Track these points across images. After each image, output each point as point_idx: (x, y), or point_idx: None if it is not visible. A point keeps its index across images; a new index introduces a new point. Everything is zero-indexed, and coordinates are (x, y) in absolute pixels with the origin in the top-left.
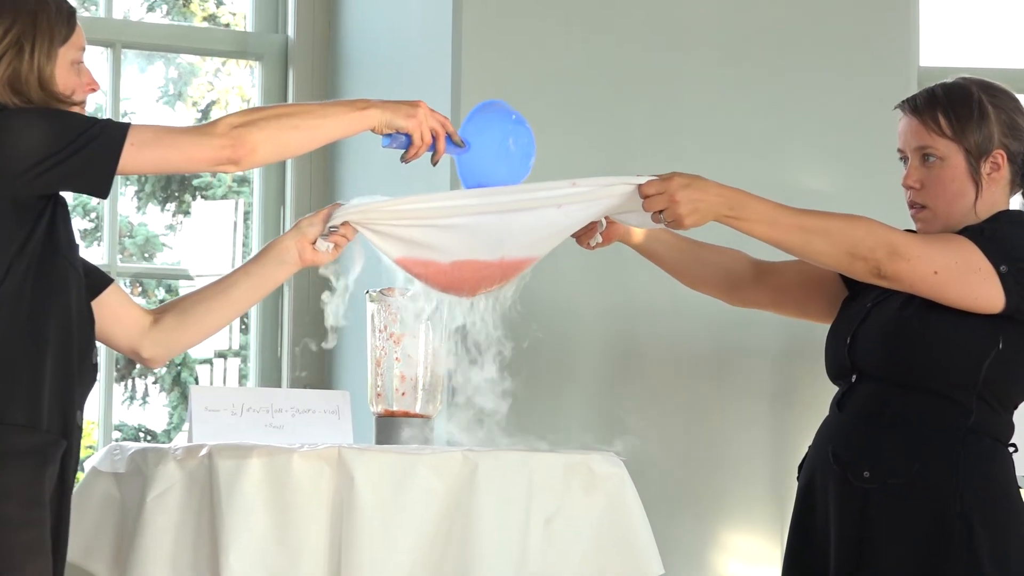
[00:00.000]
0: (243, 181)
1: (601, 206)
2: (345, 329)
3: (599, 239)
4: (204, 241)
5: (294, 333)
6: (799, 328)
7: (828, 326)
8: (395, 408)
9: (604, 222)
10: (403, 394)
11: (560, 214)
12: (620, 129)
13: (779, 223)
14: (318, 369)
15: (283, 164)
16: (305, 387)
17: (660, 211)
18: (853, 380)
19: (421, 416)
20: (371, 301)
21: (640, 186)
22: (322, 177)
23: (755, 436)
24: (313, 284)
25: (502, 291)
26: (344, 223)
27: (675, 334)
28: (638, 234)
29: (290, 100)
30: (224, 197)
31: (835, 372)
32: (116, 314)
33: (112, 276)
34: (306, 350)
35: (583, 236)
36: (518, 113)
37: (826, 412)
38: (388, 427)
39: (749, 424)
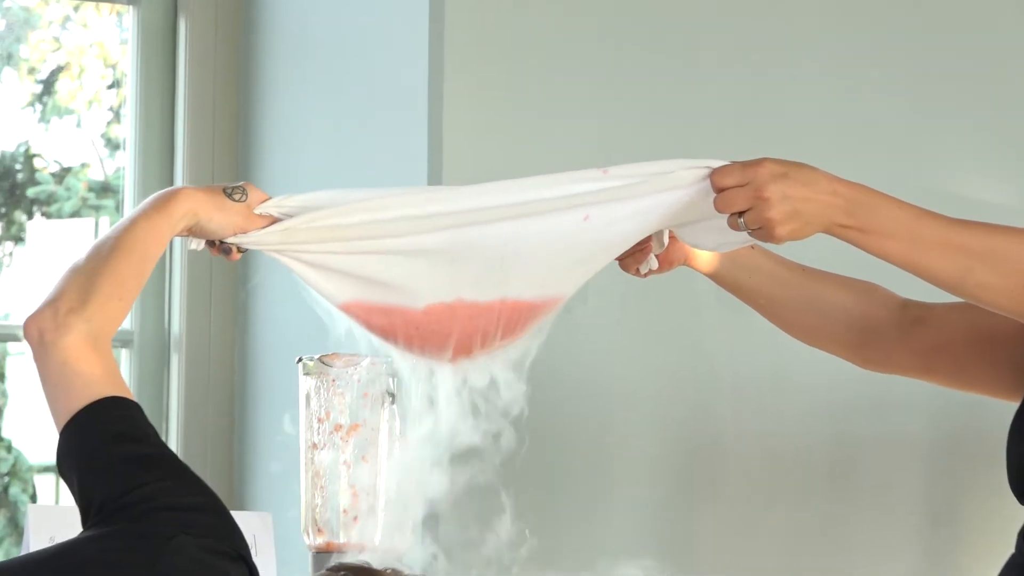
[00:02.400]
0: (105, 190)
1: (652, 213)
2: (265, 417)
3: (653, 264)
4: (45, 278)
5: (186, 423)
6: (969, 408)
7: (1014, 407)
8: (342, 539)
9: (666, 238)
10: (355, 518)
11: (589, 226)
12: (686, 115)
13: (924, 239)
14: (224, 479)
15: (169, 159)
16: None
17: (740, 213)
18: None
19: (383, 551)
20: (306, 374)
21: (712, 174)
22: (231, 172)
23: (897, 573)
24: (216, 342)
25: (505, 353)
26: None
27: (772, 418)
28: (713, 255)
29: (180, 61)
30: (76, 214)
31: (1022, 486)
32: None
33: None
34: (205, 450)
35: (630, 259)
36: None
37: (1010, 545)
38: None
39: (887, 559)
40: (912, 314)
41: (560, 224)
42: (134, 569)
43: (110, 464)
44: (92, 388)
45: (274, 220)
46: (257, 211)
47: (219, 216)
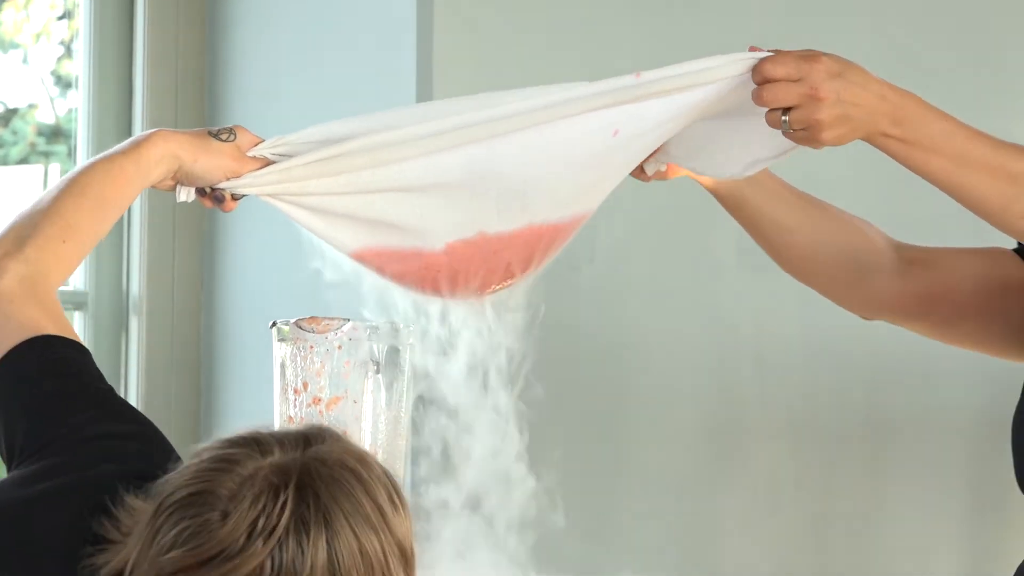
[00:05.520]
0: (56, 134)
1: (680, 117)
2: (235, 389)
3: (661, 166)
4: None
5: (146, 394)
6: (1020, 378)
7: None
8: None
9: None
10: None
11: (618, 142)
12: (706, 35)
13: (971, 160)
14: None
15: (127, 98)
16: None
17: (786, 110)
18: None
19: None
20: (280, 340)
21: (761, 61)
22: (197, 113)
23: (938, 562)
24: (180, 304)
25: (518, 290)
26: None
27: (800, 389)
28: None
29: (139, 18)
30: (24, 161)
31: None
32: None
33: None
34: (168, 424)
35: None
36: None
37: None
38: None
39: (927, 545)
40: (908, 256)
41: (588, 141)
42: (51, 507)
43: (35, 401)
44: (24, 330)
45: (269, 163)
46: (250, 154)
47: (206, 158)
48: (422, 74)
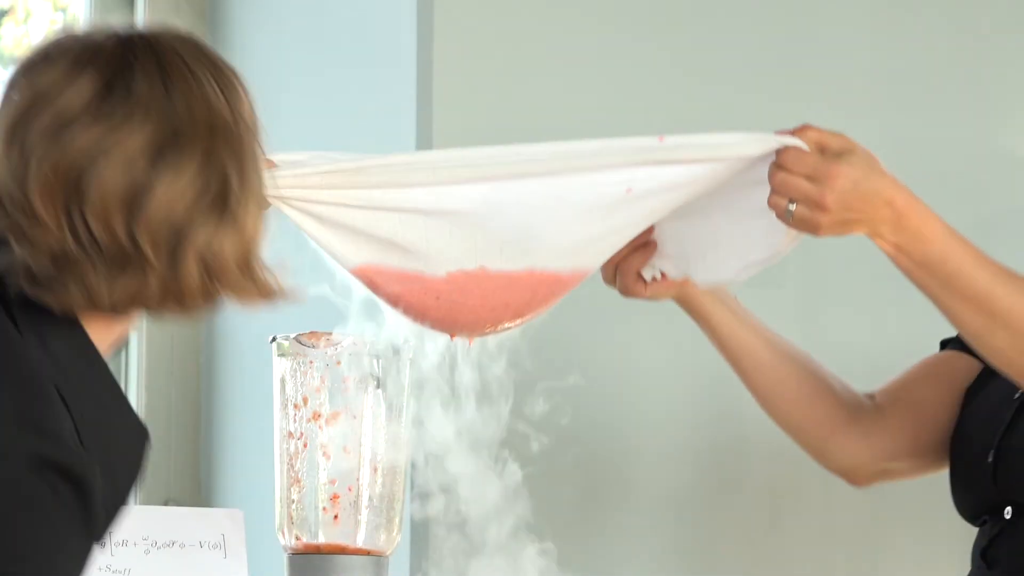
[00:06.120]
0: None
1: (696, 184)
2: (235, 403)
3: (657, 272)
4: None
5: (147, 409)
6: None
7: None
8: (321, 540)
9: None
10: (335, 516)
11: (631, 198)
12: (704, 62)
13: (960, 287)
14: (190, 472)
15: None
16: (167, 503)
17: (791, 201)
18: (1007, 516)
19: (366, 553)
20: (280, 355)
21: (784, 152)
22: None
23: None
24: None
25: (516, 331)
26: None
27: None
28: (711, 297)
29: (139, 2)
30: None
31: (972, 507)
32: None
33: None
34: (169, 439)
35: (631, 258)
36: None
37: None
38: (309, 571)
39: (928, 566)
40: (870, 394)
41: (598, 192)
42: None
43: None
44: None
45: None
46: None
47: None
48: (422, 84)
